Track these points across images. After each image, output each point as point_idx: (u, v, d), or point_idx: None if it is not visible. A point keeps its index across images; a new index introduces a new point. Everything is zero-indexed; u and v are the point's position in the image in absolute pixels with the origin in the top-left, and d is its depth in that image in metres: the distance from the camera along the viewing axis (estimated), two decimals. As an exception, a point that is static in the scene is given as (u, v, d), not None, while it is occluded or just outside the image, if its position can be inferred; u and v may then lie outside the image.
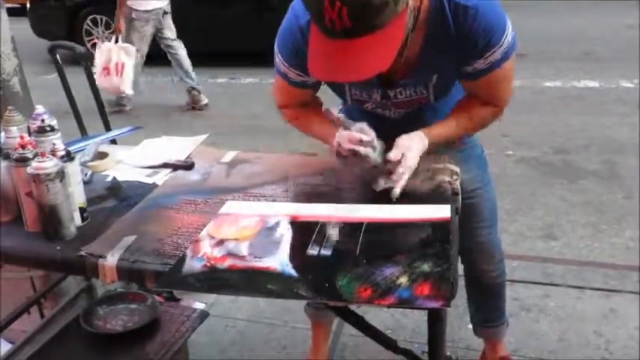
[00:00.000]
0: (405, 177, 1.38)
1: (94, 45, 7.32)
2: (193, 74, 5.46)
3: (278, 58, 1.48)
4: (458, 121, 1.50)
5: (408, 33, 1.25)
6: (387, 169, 1.39)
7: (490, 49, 1.33)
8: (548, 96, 5.29)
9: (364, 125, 1.41)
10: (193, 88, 5.48)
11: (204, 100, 5.51)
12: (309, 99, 1.61)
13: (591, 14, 8.61)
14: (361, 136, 1.38)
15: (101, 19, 7.27)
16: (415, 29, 1.28)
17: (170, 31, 5.40)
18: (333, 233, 1.30)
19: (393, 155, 1.37)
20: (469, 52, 1.34)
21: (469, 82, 1.45)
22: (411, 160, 1.38)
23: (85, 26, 7.31)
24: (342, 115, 1.45)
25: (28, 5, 7.66)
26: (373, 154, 1.38)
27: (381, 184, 1.40)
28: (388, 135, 1.66)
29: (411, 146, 1.39)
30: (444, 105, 1.55)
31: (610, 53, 6.52)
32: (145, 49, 5.31)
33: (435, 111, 1.58)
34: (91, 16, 7.27)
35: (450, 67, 1.42)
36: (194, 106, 5.50)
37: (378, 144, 1.41)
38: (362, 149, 1.37)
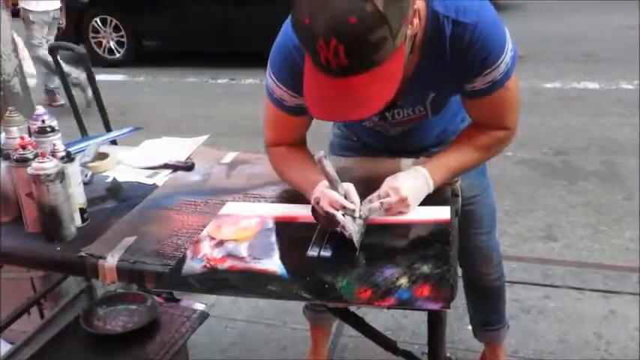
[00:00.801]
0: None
1: (99, 44, 7.40)
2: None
3: (272, 80, 1.39)
4: (463, 155, 1.44)
5: (407, 57, 1.21)
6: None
7: (488, 67, 1.28)
8: (548, 97, 5.29)
9: (351, 187, 1.30)
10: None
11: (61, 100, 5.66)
12: (303, 134, 1.52)
13: (591, 15, 8.60)
14: (345, 202, 1.25)
15: (110, 21, 7.33)
16: (412, 50, 1.24)
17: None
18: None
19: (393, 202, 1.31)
20: (466, 70, 1.30)
21: (471, 100, 1.39)
22: (413, 207, 1.34)
23: (93, 26, 7.35)
24: (329, 165, 1.28)
25: None
26: (352, 225, 1.23)
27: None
28: (387, 149, 1.65)
29: (415, 193, 1.34)
30: (441, 117, 1.53)
31: (610, 54, 6.52)
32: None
33: (433, 124, 1.56)
34: (99, 17, 7.32)
35: (447, 85, 1.38)
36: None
37: (363, 215, 1.27)
38: (340, 218, 1.23)
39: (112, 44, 7.43)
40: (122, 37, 7.39)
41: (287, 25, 1.32)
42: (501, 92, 1.34)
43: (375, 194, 1.34)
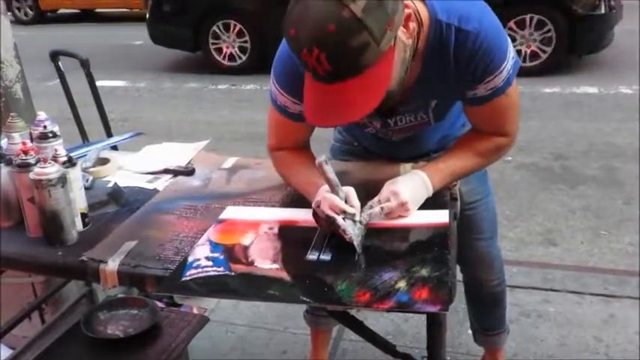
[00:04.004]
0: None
1: (219, 50, 6.89)
2: None
3: (275, 87, 1.42)
4: (463, 160, 1.44)
5: (408, 63, 1.22)
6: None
7: (491, 74, 1.29)
8: (548, 102, 5.30)
9: (351, 191, 1.30)
10: None
11: None
12: (306, 138, 1.54)
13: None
14: (345, 207, 1.26)
15: (234, 25, 6.75)
16: (414, 57, 1.25)
17: None
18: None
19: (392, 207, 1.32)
20: (468, 77, 1.30)
21: (472, 107, 1.40)
22: (412, 211, 1.35)
23: (213, 31, 6.81)
24: (329, 169, 1.27)
25: (147, 15, 7.11)
26: (352, 229, 1.24)
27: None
28: (389, 155, 1.65)
29: (415, 197, 1.35)
30: (443, 123, 1.54)
31: (609, 59, 6.52)
32: None
33: (434, 130, 1.57)
34: (222, 22, 6.77)
35: (449, 92, 1.39)
36: None
37: (363, 220, 1.28)
38: (340, 221, 1.24)
39: (234, 50, 6.85)
40: (246, 42, 6.78)
41: None
42: (502, 99, 1.35)
43: (376, 199, 1.34)
